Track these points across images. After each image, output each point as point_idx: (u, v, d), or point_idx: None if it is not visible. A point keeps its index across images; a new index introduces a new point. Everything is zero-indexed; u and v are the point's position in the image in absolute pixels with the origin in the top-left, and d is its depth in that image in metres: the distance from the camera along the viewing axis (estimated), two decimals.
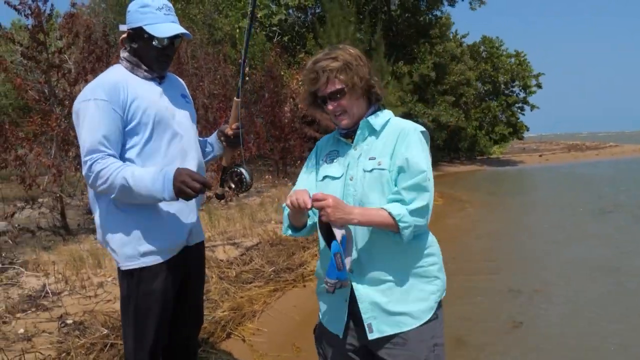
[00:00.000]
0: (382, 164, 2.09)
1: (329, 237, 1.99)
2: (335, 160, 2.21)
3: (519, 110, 40.03)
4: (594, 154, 41.79)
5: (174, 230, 2.57)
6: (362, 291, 2.10)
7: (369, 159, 2.12)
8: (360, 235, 2.11)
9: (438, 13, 32.26)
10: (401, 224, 1.99)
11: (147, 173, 2.37)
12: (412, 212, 2.01)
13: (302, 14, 29.91)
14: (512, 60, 39.94)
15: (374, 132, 2.17)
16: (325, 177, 2.20)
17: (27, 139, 7.24)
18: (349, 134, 2.20)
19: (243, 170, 2.70)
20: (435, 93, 30.31)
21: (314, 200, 1.94)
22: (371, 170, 2.09)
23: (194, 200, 2.54)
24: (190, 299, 2.76)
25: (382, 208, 2.02)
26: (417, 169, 2.04)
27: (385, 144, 2.13)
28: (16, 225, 7.64)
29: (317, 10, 29.26)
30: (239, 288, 5.75)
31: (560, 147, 50.42)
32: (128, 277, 2.52)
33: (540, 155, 40.97)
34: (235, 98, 2.73)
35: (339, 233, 1.95)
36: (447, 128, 29.82)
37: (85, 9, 21.95)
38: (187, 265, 2.67)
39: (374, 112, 2.19)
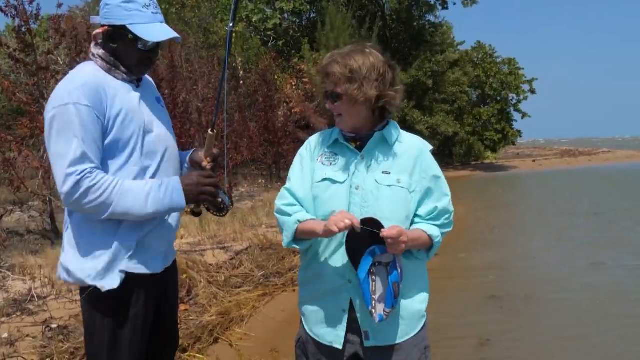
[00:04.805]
0: (402, 182, 2.07)
1: (357, 259, 1.96)
2: (334, 163, 2.13)
3: (509, 117, 39.94)
4: (586, 159, 42.00)
5: (157, 249, 2.29)
6: (361, 301, 2.04)
7: (383, 172, 2.07)
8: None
9: (432, 18, 32.48)
10: (436, 246, 2.13)
11: (149, 186, 2.15)
12: (443, 234, 2.15)
13: (297, 18, 29.96)
14: (505, 67, 40.00)
15: (386, 144, 2.12)
16: (324, 179, 2.11)
17: (16, 141, 7.20)
18: (355, 139, 2.13)
19: (223, 196, 2.38)
20: (432, 101, 30.38)
21: (388, 237, 1.90)
22: (389, 186, 2.05)
23: (176, 215, 2.35)
24: (166, 320, 2.45)
25: (422, 230, 2.08)
26: (444, 193, 2.15)
27: (401, 160, 2.10)
28: (5, 228, 7.60)
29: (312, 15, 29.35)
30: (228, 292, 5.72)
31: (554, 152, 50.63)
32: (99, 301, 2.18)
33: (533, 161, 41.11)
34: (209, 131, 2.35)
35: (398, 262, 1.98)
36: (441, 135, 29.85)
37: (80, 12, 21.93)
38: (166, 284, 2.38)
39: (385, 125, 2.14)
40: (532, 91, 40.14)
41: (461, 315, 5.77)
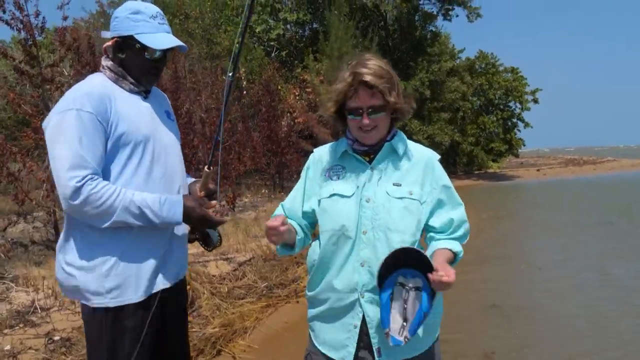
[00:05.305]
0: (414, 194, 2.05)
1: (385, 279, 1.94)
2: (342, 177, 2.10)
3: (513, 127, 39.87)
4: (591, 168, 41.87)
5: (166, 262, 2.29)
6: (373, 316, 2.02)
7: (394, 184, 2.05)
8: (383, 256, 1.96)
9: (433, 28, 32.58)
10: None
11: (151, 199, 2.16)
12: (462, 247, 2.13)
13: (300, 29, 30.11)
14: (509, 75, 40.04)
15: (395, 155, 2.10)
16: (333, 194, 2.08)
17: (21, 153, 7.22)
18: (368, 152, 2.10)
19: (211, 232, 2.42)
20: (431, 110, 30.44)
21: (440, 279, 1.83)
22: (400, 198, 2.03)
23: (184, 229, 2.36)
24: (175, 334, 2.44)
25: (448, 249, 2.06)
26: (457, 202, 2.16)
27: (411, 172, 2.08)
28: (9, 239, 7.61)
29: (315, 25, 29.51)
30: (231, 304, 5.71)
31: (558, 161, 50.51)
32: (101, 316, 2.17)
33: (537, 170, 41.04)
34: (205, 168, 2.34)
35: (428, 292, 1.93)
36: (441, 145, 29.90)
37: (84, 24, 22.09)
38: (172, 298, 2.35)
39: (394, 134, 2.13)
40: (535, 100, 40.13)
41: (465, 328, 5.69)
